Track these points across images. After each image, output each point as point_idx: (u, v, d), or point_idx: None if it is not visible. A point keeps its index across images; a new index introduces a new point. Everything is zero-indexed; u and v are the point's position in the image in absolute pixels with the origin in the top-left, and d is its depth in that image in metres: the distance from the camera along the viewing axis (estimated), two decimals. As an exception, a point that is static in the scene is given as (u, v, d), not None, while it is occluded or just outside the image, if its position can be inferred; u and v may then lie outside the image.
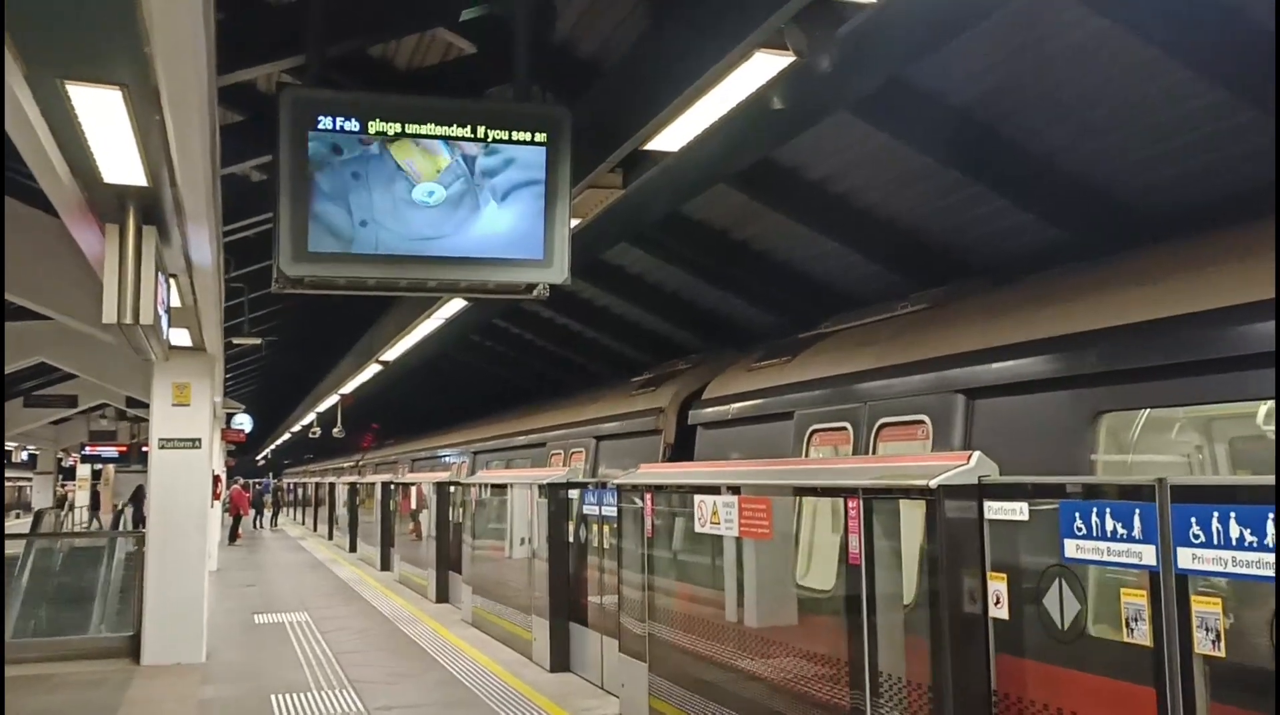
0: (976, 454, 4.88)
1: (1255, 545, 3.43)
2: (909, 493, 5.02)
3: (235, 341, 16.26)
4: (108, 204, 5.70)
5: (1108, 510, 4.03)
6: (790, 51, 4.34)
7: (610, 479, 9.40)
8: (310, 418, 33.27)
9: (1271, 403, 4.23)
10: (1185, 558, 3.70)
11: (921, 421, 6.09)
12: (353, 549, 26.93)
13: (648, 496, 8.00)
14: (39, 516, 23.24)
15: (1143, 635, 3.89)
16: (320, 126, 4.78)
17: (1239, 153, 5.88)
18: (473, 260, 5.06)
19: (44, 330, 13.15)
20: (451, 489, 16.34)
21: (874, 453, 6.42)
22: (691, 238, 10.08)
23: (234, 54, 5.55)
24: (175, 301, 8.20)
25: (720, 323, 12.23)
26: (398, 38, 7.14)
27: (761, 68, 4.62)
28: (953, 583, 4.72)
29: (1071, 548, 4.23)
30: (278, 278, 4.91)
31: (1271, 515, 3.39)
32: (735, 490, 6.70)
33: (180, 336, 10.29)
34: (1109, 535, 4.02)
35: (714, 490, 6.95)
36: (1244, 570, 3.47)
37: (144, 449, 19.57)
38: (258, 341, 17.50)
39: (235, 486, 33.50)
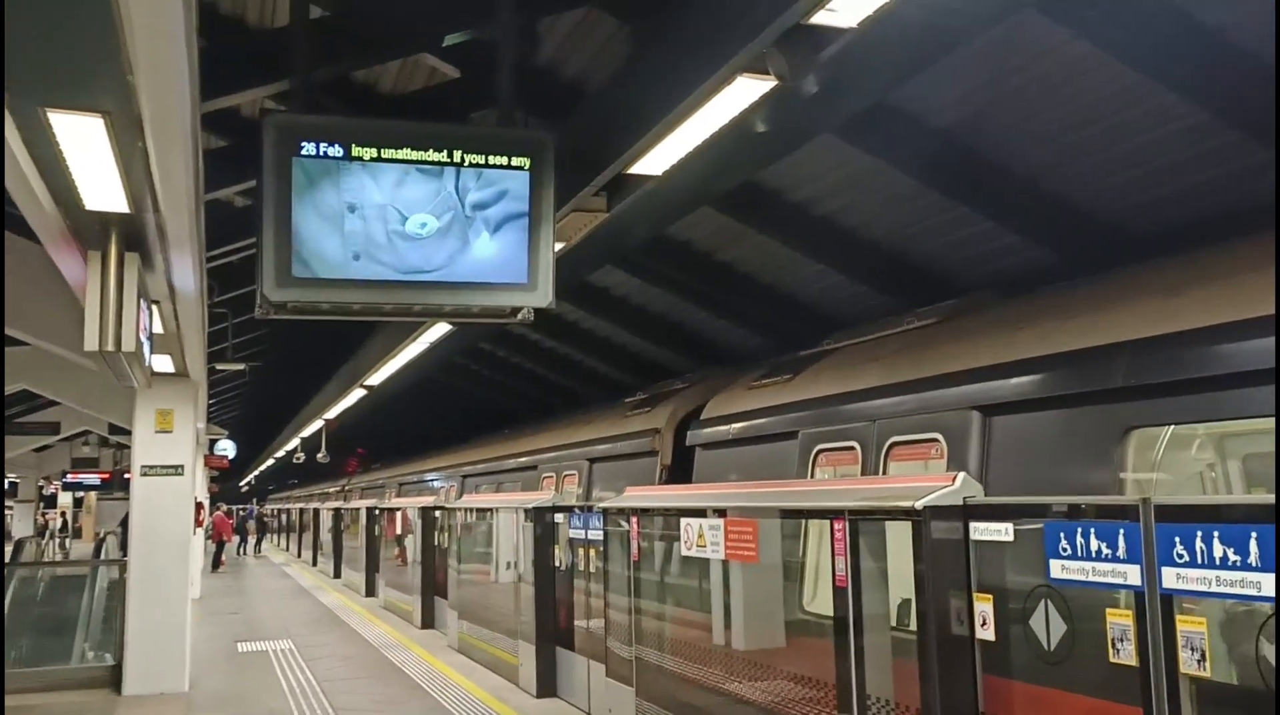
0: (962, 475, 4.89)
1: (1239, 565, 3.44)
2: (895, 514, 5.02)
3: (219, 367, 16.23)
4: (90, 231, 5.68)
5: (1092, 530, 4.04)
6: (772, 76, 4.37)
7: (596, 503, 9.38)
8: (294, 443, 33.08)
9: None
10: (1170, 578, 3.71)
11: (935, 440, 5.89)
12: (337, 575, 26.74)
13: (633, 520, 7.97)
14: (19, 546, 22.98)
15: (1128, 655, 3.89)
16: (304, 152, 4.78)
17: (1222, 174, 5.94)
18: (457, 285, 5.05)
19: (25, 357, 13.06)
20: (436, 513, 16.26)
21: (884, 473, 6.24)
22: (676, 260, 10.11)
23: (217, 80, 5.55)
24: (158, 328, 8.17)
25: (705, 344, 12.25)
26: (382, 63, 7.16)
27: (744, 92, 4.65)
28: (939, 604, 4.72)
29: (1057, 568, 4.24)
30: (261, 303, 4.90)
31: (1254, 534, 3.40)
32: (721, 513, 6.68)
33: (163, 363, 10.24)
34: (1094, 555, 4.03)
35: (700, 513, 6.93)
36: (1228, 590, 3.48)
37: (126, 476, 19.42)
38: (241, 367, 17.47)
39: (218, 513, 33.24)
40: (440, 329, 10.56)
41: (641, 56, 5.61)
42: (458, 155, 5.00)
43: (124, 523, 25.92)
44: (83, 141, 4.24)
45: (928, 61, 5.47)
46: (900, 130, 6.68)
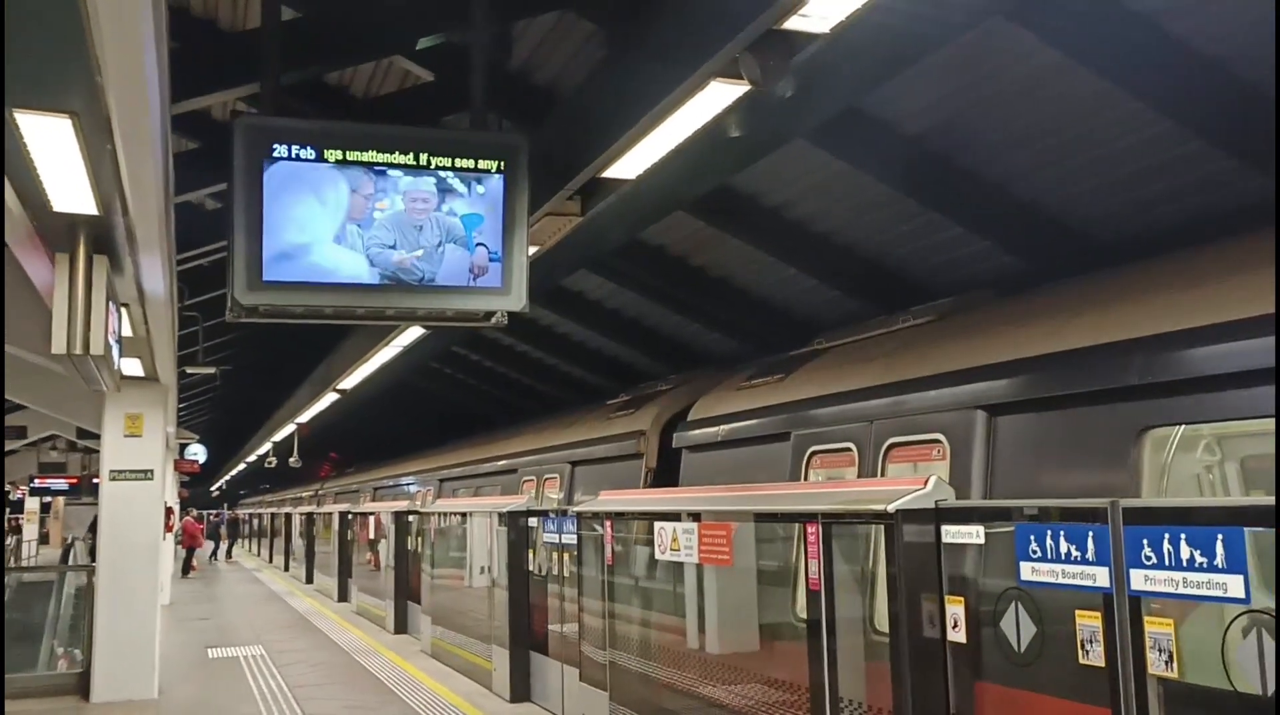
0: (934, 478, 4.92)
1: (1205, 566, 3.48)
2: (868, 518, 5.04)
3: (189, 371, 16.08)
4: (57, 233, 5.61)
5: (1061, 533, 4.08)
6: (745, 81, 4.39)
7: (570, 507, 9.36)
8: (266, 447, 32.86)
9: None
10: (1138, 579, 3.74)
11: (937, 441, 5.70)
12: (309, 580, 26.55)
13: (607, 524, 7.97)
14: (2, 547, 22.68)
15: (1097, 657, 3.93)
16: (275, 154, 4.75)
17: (1189, 181, 6.02)
18: (431, 288, 5.04)
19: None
20: (410, 518, 16.18)
21: (883, 475, 6.07)
22: (650, 264, 10.12)
23: (188, 82, 5.51)
24: (127, 331, 8.09)
25: (680, 348, 12.27)
26: (355, 65, 7.13)
27: (717, 96, 4.66)
28: (911, 607, 4.74)
29: (1027, 571, 4.27)
30: (232, 306, 4.86)
31: (1221, 536, 3.44)
32: (695, 517, 6.69)
33: (132, 366, 10.14)
34: (1063, 557, 4.06)
35: (674, 517, 6.94)
36: (1195, 591, 3.52)
37: (95, 481, 19.20)
38: (212, 371, 17.31)
39: (188, 518, 32.94)
40: (414, 333, 10.53)
41: (615, 60, 5.61)
42: (431, 158, 4.99)
43: (93, 527, 25.68)
44: (50, 142, 4.20)
45: (899, 67, 5.50)
46: (872, 136, 6.73)
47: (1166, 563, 3.63)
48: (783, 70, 4.27)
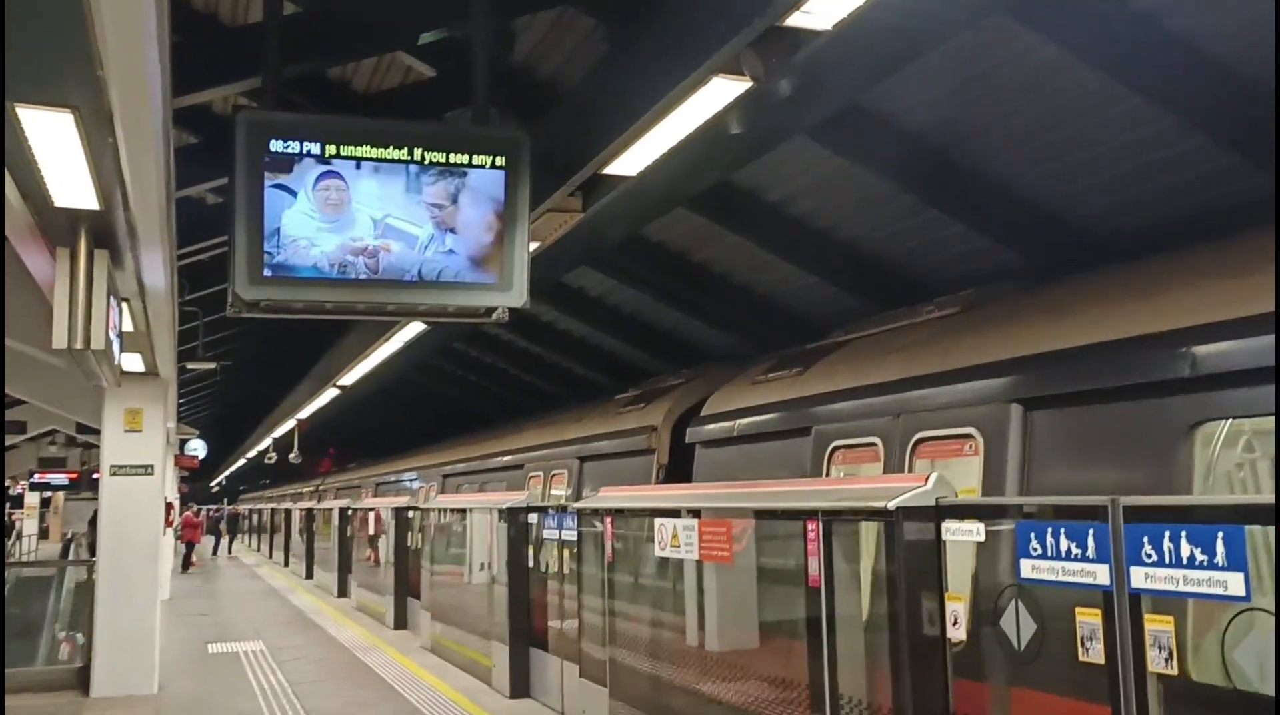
0: (934, 475, 4.91)
1: (1205, 564, 3.48)
2: (868, 515, 5.04)
3: (189, 366, 16.09)
4: (58, 228, 5.61)
5: (1062, 530, 4.08)
6: (747, 77, 4.38)
7: (568, 503, 9.35)
8: (266, 443, 32.87)
9: None
10: (1138, 577, 3.74)
11: (970, 436, 5.53)
12: (309, 576, 26.57)
13: (608, 520, 7.97)
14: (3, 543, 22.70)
15: (1097, 654, 3.93)
16: (276, 149, 4.75)
17: (1189, 178, 6.02)
18: (432, 284, 5.03)
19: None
20: (410, 514, 16.18)
21: (911, 470, 5.88)
22: (651, 260, 10.12)
23: (189, 76, 5.50)
24: (127, 326, 8.09)
25: (680, 345, 12.26)
26: (356, 60, 7.13)
27: (719, 93, 4.66)
28: (911, 604, 4.74)
29: (1027, 568, 4.27)
30: (233, 302, 4.86)
31: (1221, 534, 3.45)
32: (695, 514, 6.69)
33: (132, 361, 10.14)
34: (1064, 555, 4.06)
35: (674, 513, 6.93)
36: (1195, 589, 3.52)
37: (95, 476, 19.20)
38: (212, 366, 17.32)
39: (187, 513, 32.95)
40: (414, 329, 10.52)
41: (617, 56, 5.61)
42: (432, 154, 4.98)
43: (93, 523, 25.74)
44: (52, 137, 4.19)
45: (900, 64, 5.50)
46: (873, 133, 6.72)
47: (1167, 560, 3.63)
48: (785, 67, 4.27)
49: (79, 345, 5.74)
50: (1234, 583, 3.40)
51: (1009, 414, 5.28)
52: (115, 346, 6.76)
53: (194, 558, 30.69)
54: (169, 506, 20.36)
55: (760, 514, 6.24)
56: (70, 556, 23.72)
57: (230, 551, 41.40)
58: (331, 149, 4.82)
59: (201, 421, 35.10)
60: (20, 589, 12.78)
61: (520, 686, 10.16)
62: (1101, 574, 3.89)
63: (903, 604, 4.73)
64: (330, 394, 18.16)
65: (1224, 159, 5.70)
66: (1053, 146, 6.31)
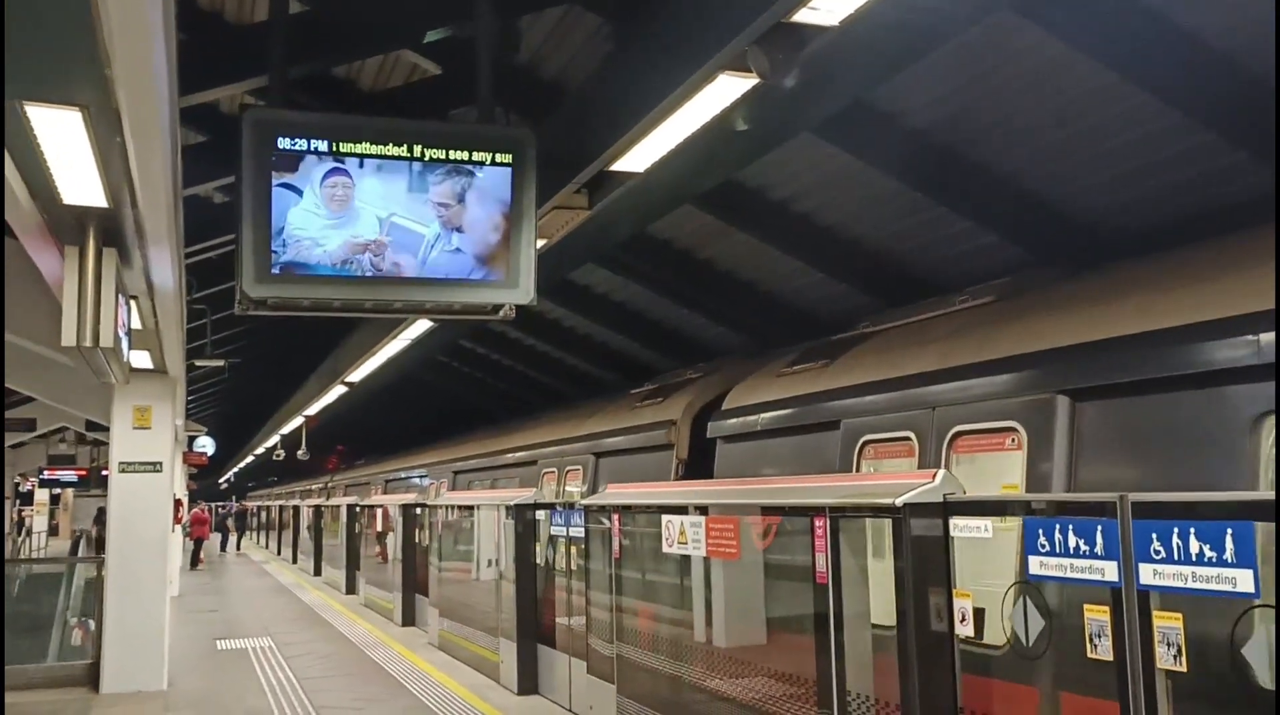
0: (942, 472, 4.91)
1: (1214, 561, 3.48)
2: (875, 511, 5.04)
3: (197, 363, 16.12)
4: (67, 226, 5.63)
5: (1070, 527, 4.07)
6: (753, 74, 4.38)
7: (575, 500, 9.36)
8: (274, 440, 32.95)
9: None
10: (1147, 574, 3.74)
11: (1012, 429, 5.30)
12: (317, 572, 26.63)
13: (615, 517, 7.98)
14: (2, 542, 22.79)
15: (1105, 651, 3.92)
16: (283, 147, 4.76)
17: (1196, 175, 6.00)
18: (438, 281, 5.04)
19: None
20: (417, 511, 16.21)
21: (947, 466, 5.65)
22: (657, 257, 10.12)
23: (196, 75, 5.51)
24: (136, 324, 8.11)
25: (685, 342, 12.27)
26: (362, 59, 7.13)
27: (725, 90, 4.66)
28: (919, 601, 4.74)
29: (1036, 565, 4.27)
30: (241, 299, 4.87)
31: (1230, 530, 3.44)
32: (703, 510, 6.69)
33: (141, 359, 10.17)
34: (1072, 552, 4.06)
35: (681, 510, 6.94)
36: (1204, 586, 3.52)
37: (104, 473, 19.26)
38: (220, 363, 17.36)
39: (196, 510, 33.05)
40: (421, 326, 10.54)
41: (623, 54, 5.61)
42: (438, 152, 4.99)
43: (98, 519, 25.85)
44: (60, 135, 4.21)
45: (907, 61, 5.50)
46: (880, 129, 6.72)
47: (1175, 557, 3.62)
48: (791, 63, 4.26)
49: (88, 343, 5.76)
50: (1243, 579, 3.40)
51: (1055, 406, 5.05)
52: (124, 344, 6.78)
53: (202, 555, 30.78)
54: (178, 503, 20.42)
55: (767, 510, 6.24)
56: (80, 552, 23.83)
57: (239, 548, 41.51)
58: (338, 147, 4.84)
59: (210, 419, 35.21)
60: (30, 585, 12.84)
61: (528, 683, 10.18)
62: (1110, 571, 3.88)
63: (910, 600, 4.73)
64: (338, 391, 18.20)
65: (1231, 155, 5.68)
66: (1058, 143, 6.30)
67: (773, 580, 6.32)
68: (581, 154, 5.73)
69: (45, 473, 33.26)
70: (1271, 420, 4.11)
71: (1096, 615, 3.98)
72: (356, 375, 15.77)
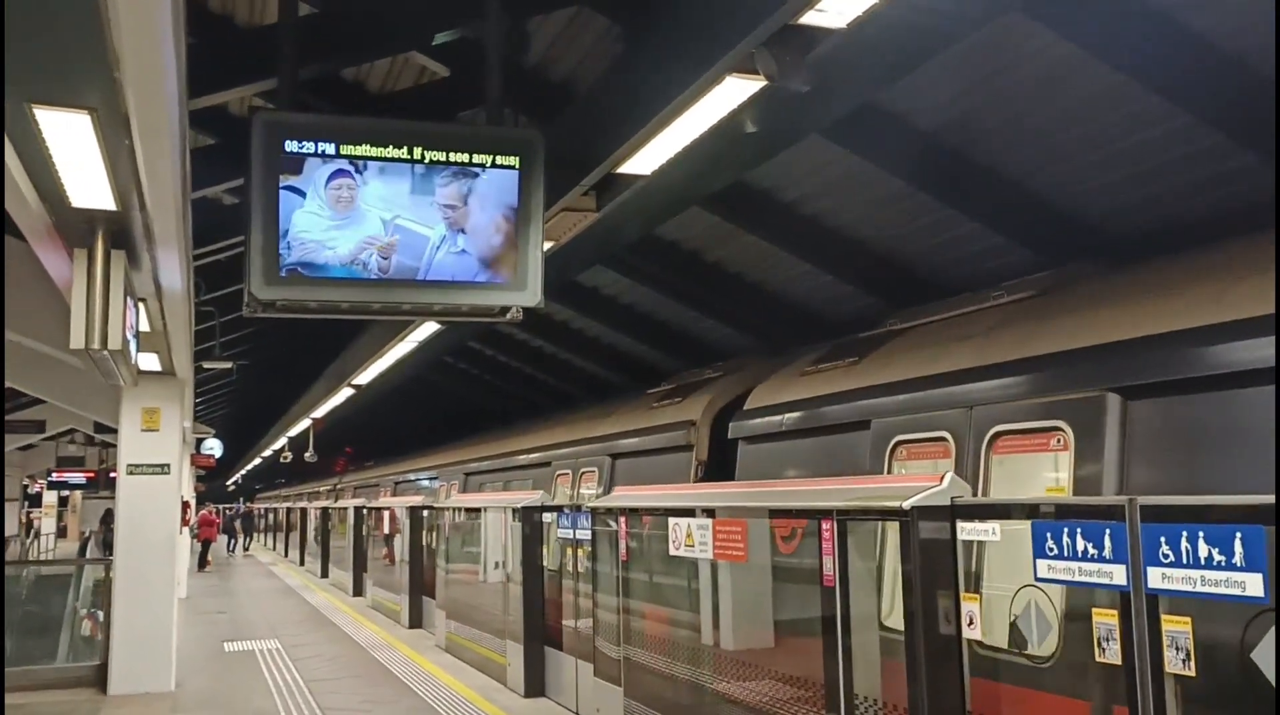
0: (949, 475, 4.90)
1: (1223, 565, 3.46)
2: (883, 514, 5.03)
3: (206, 365, 16.15)
4: (76, 228, 5.65)
5: (1078, 530, 4.06)
6: (761, 76, 4.38)
7: (581, 502, 9.36)
8: (282, 442, 32.99)
9: None
10: (1155, 577, 3.73)
11: (1058, 429, 5.08)
12: (325, 575, 26.67)
13: (622, 520, 7.97)
14: (2, 544, 22.85)
15: (1114, 655, 3.91)
16: (291, 149, 4.77)
17: (1206, 177, 5.98)
18: (446, 283, 5.04)
19: (10, 355, 13.00)
20: (425, 513, 16.22)
21: (986, 467, 5.44)
22: (665, 260, 10.11)
23: (205, 77, 5.53)
24: (144, 326, 8.13)
25: (693, 343, 12.26)
26: (370, 61, 7.14)
27: (733, 92, 4.65)
28: (927, 604, 4.73)
29: (1044, 568, 4.25)
30: (249, 301, 4.88)
31: (1239, 534, 3.42)
32: (710, 513, 6.69)
33: (149, 361, 10.19)
34: (1080, 555, 4.05)
35: (688, 513, 6.93)
36: (1212, 589, 3.50)
37: (112, 475, 19.31)
38: (229, 365, 17.38)
39: (204, 512, 33.12)
40: (428, 328, 10.55)
41: (631, 56, 5.61)
42: (447, 154, 4.99)
43: (104, 520, 25.91)
44: (69, 138, 4.22)
45: (915, 62, 5.48)
46: (888, 131, 6.70)
47: (1184, 561, 3.61)
48: (799, 65, 4.26)
49: (96, 345, 5.78)
50: (1252, 583, 3.38)
51: (1105, 405, 4.80)
52: (132, 346, 6.80)
53: (210, 556, 30.83)
54: (185, 505, 20.47)
55: (774, 513, 6.23)
56: (88, 554, 23.89)
57: (247, 550, 41.57)
58: (346, 149, 4.84)
59: (218, 421, 35.26)
60: (38, 587, 12.88)
61: (535, 685, 10.18)
62: (1119, 574, 3.87)
63: (918, 603, 4.72)
64: (345, 393, 18.21)
65: (1241, 157, 5.66)
66: (1067, 145, 6.28)
67: (781, 583, 6.31)
68: (589, 156, 5.73)
69: (54, 475, 33.37)
70: None
71: (1104, 619, 3.97)
72: (364, 377, 15.79)
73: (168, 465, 11.22)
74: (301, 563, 32.03)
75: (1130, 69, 5.41)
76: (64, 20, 3.26)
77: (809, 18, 3.99)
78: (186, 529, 22.51)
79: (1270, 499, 3.35)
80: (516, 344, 16.05)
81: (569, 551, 9.62)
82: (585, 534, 8.94)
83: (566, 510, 9.74)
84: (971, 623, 4.68)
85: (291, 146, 4.76)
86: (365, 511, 21.44)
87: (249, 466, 53.77)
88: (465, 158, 5.02)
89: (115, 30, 3.29)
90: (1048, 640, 4.55)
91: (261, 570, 30.58)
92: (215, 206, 9.66)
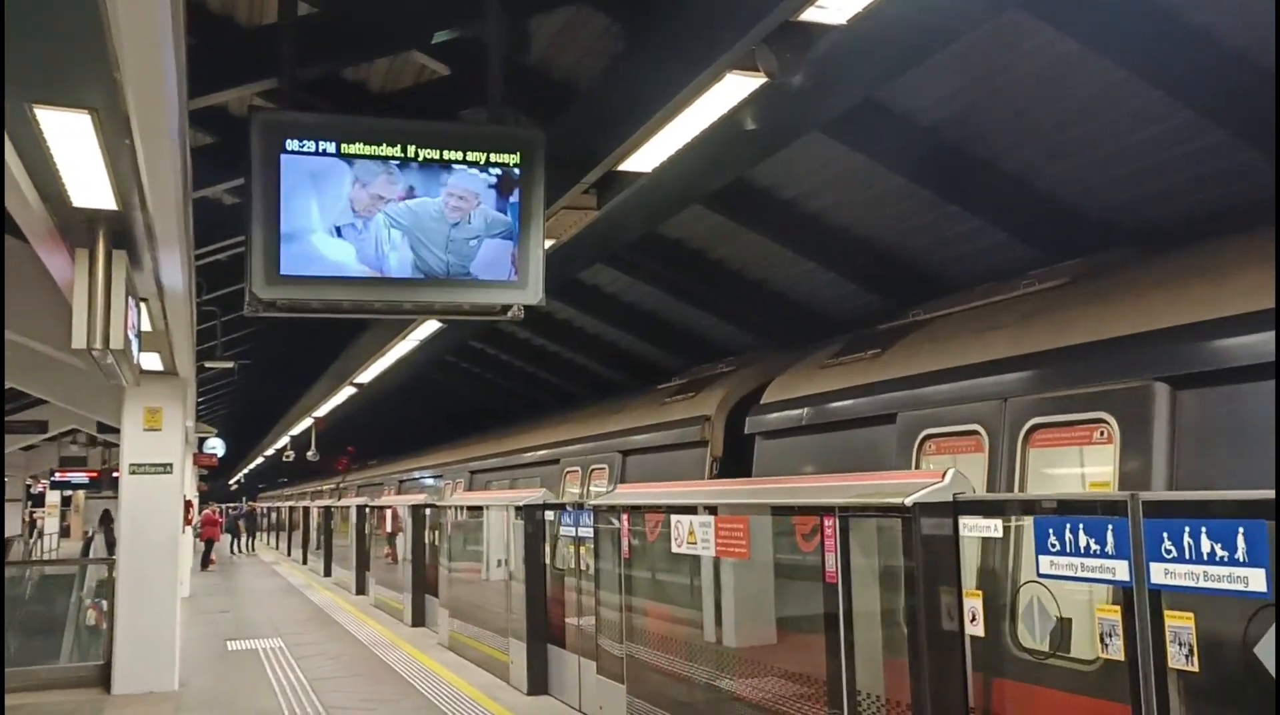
0: (951, 471, 4.89)
1: (1226, 560, 3.46)
2: (885, 511, 5.03)
3: (207, 365, 16.17)
4: (77, 228, 5.65)
5: (1081, 526, 4.06)
6: (761, 73, 4.37)
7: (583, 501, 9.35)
8: (284, 441, 33.03)
9: None
10: (1158, 573, 3.72)
11: (1102, 421, 4.85)
12: (327, 573, 26.68)
13: (624, 517, 7.98)
14: (6, 544, 22.89)
15: (1116, 651, 3.91)
16: (292, 149, 4.76)
17: (1209, 172, 5.97)
18: (447, 282, 5.04)
19: (12, 355, 13.02)
20: (427, 511, 16.23)
21: (1023, 461, 5.25)
22: (666, 258, 10.12)
23: (206, 77, 5.53)
24: (146, 326, 8.14)
25: (695, 341, 12.26)
26: (371, 60, 7.14)
27: (733, 89, 4.65)
28: (930, 600, 4.73)
29: (1046, 564, 4.25)
30: (250, 301, 4.88)
31: (1242, 529, 3.42)
32: (712, 510, 6.69)
33: (151, 361, 10.20)
34: (1083, 551, 4.04)
35: (690, 510, 6.94)
36: (1215, 585, 3.50)
37: (115, 475, 19.33)
38: (230, 365, 17.40)
39: (207, 511, 33.16)
40: (430, 327, 10.55)
41: (631, 53, 5.61)
42: (447, 153, 4.99)
43: (103, 520, 25.92)
44: (70, 138, 4.22)
45: (916, 59, 5.48)
46: (889, 128, 6.70)
47: (1187, 556, 3.60)
48: (800, 62, 4.25)
49: (98, 345, 5.78)
50: (1255, 579, 3.38)
51: (1152, 395, 4.56)
52: (134, 346, 6.81)
53: (213, 555, 30.87)
54: (188, 505, 20.49)
55: (777, 510, 6.23)
56: (90, 553, 23.90)
57: (252, 549, 41.62)
58: (347, 148, 4.83)
59: (220, 420, 35.30)
60: (42, 587, 12.89)
61: (538, 683, 10.19)
62: (1121, 570, 3.87)
63: (921, 600, 4.72)
64: (347, 392, 18.22)
65: (1245, 153, 5.65)
66: (1070, 141, 6.28)
67: (784, 580, 6.32)
68: (590, 154, 5.73)
69: (57, 475, 33.42)
70: None
71: (1107, 615, 3.97)
72: (366, 376, 15.80)
73: (170, 465, 11.22)
74: (304, 561, 32.05)
75: (1131, 66, 5.41)
76: (64, 21, 3.26)
77: (809, 14, 3.99)
78: (189, 528, 22.54)
79: (1271, 494, 3.34)
80: (518, 342, 16.06)
81: (571, 549, 9.62)
82: (588, 532, 8.95)
83: (569, 508, 9.74)
84: (974, 619, 4.68)
85: (292, 146, 4.75)
86: (368, 510, 21.45)
87: (251, 466, 53.84)
88: (466, 156, 5.01)
89: (115, 31, 3.29)
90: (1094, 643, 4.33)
91: (264, 569, 30.61)
92: (216, 206, 9.67)
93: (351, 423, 28.20)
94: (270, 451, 39.77)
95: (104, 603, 11.36)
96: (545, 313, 12.95)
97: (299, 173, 4.77)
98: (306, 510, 32.79)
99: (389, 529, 18.79)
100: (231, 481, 66.94)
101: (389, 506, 19.23)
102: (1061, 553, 4.15)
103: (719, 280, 10.20)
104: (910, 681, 4.77)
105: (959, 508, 4.75)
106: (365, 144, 4.86)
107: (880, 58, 5.32)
